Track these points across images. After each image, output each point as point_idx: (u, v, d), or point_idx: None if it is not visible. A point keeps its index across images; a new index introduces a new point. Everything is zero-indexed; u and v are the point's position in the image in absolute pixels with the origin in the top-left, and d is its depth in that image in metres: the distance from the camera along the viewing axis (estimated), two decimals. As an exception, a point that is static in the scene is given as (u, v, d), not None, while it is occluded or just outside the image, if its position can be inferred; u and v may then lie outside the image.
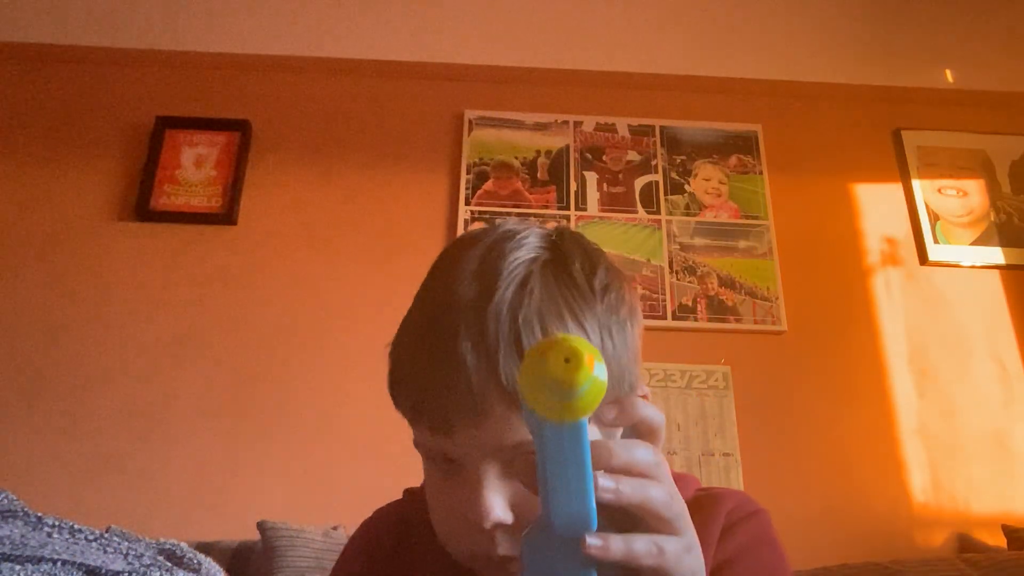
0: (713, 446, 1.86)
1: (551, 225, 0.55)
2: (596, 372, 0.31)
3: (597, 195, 2.12)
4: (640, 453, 0.37)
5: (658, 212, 2.11)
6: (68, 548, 0.71)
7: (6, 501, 0.75)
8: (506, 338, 0.46)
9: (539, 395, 0.32)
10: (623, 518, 0.37)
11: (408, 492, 0.63)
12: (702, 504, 0.55)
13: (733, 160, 2.20)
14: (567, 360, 0.30)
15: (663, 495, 0.37)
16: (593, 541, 0.35)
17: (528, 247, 0.49)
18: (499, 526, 0.46)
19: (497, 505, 0.46)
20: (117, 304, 1.94)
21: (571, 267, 0.49)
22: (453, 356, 0.46)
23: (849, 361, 1.98)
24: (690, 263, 2.05)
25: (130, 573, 0.72)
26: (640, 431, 0.41)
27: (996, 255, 2.11)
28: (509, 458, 0.46)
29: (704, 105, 2.27)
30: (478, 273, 0.48)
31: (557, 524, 0.34)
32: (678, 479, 0.45)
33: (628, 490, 0.36)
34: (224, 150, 2.11)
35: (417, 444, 0.52)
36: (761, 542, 0.57)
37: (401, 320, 0.58)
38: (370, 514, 0.64)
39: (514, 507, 0.46)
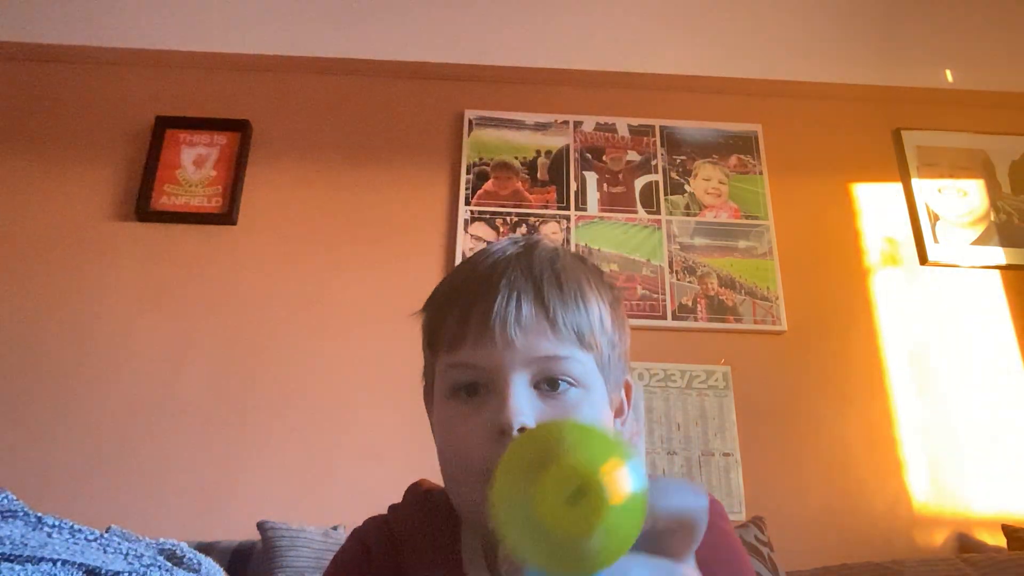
0: (713, 446, 1.86)
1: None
2: (625, 502, 0.20)
3: (597, 195, 2.12)
4: None
5: (658, 212, 2.11)
6: (68, 548, 0.71)
7: (6, 501, 0.75)
8: (548, 272, 0.55)
9: (522, 539, 0.22)
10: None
11: (393, 508, 0.63)
12: None
13: (733, 160, 2.20)
14: (575, 496, 0.19)
15: None
16: None
17: (551, 244, 0.60)
18: (523, 431, 0.49)
19: (525, 409, 0.50)
20: (117, 303, 1.93)
21: (588, 260, 0.60)
22: (501, 279, 0.54)
23: (849, 361, 1.98)
24: (690, 263, 2.05)
25: (130, 573, 0.72)
26: (669, 526, 0.28)
27: (996, 255, 2.11)
28: (537, 371, 0.52)
29: (704, 105, 2.27)
30: (515, 245, 0.59)
31: None
32: None
33: None
34: (224, 150, 2.11)
35: (439, 386, 0.56)
36: (725, 533, 0.57)
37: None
38: (366, 518, 0.64)
39: (536, 424, 0.50)
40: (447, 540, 0.57)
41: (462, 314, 0.55)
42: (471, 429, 0.52)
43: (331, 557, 0.63)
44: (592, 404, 0.53)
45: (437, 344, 0.57)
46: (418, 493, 0.62)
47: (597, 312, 0.56)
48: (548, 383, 0.53)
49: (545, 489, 0.19)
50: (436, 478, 0.65)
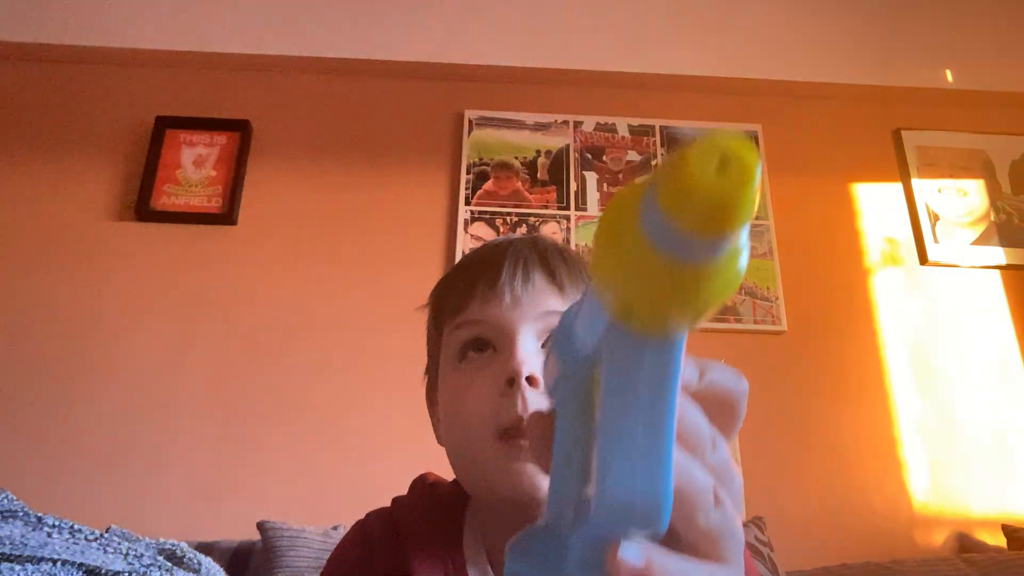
0: (713, 446, 1.86)
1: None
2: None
3: (597, 195, 2.12)
4: (697, 420, 0.25)
5: (658, 212, 2.11)
6: (68, 548, 0.71)
7: (6, 501, 0.75)
8: (552, 248, 0.58)
9: (634, 255, 0.20)
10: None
11: (396, 500, 0.63)
12: None
13: (733, 160, 2.19)
14: (722, 164, 0.18)
15: (720, 512, 0.25)
16: (631, 558, 0.23)
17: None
18: (531, 381, 0.50)
19: (533, 359, 0.51)
20: (117, 304, 1.93)
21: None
22: (509, 250, 0.56)
23: (849, 361, 1.98)
24: (690, 263, 2.05)
25: (130, 573, 0.72)
26: (708, 408, 0.26)
27: (996, 255, 2.11)
28: (543, 327, 0.53)
29: (704, 105, 2.27)
30: (519, 235, 0.60)
31: (609, 502, 0.22)
32: None
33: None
34: (224, 150, 2.11)
35: (446, 356, 0.57)
36: None
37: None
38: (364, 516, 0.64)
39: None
40: (450, 534, 0.57)
41: (469, 283, 0.56)
42: (479, 385, 0.52)
43: (332, 557, 0.63)
44: None
45: (443, 314, 0.58)
46: (423, 486, 0.62)
47: None
48: None
49: (691, 161, 0.18)
50: (438, 475, 0.65)
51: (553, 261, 0.56)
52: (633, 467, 0.22)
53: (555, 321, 0.51)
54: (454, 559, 0.55)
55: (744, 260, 0.21)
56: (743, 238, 0.21)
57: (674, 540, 0.24)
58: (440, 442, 0.59)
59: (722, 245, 0.20)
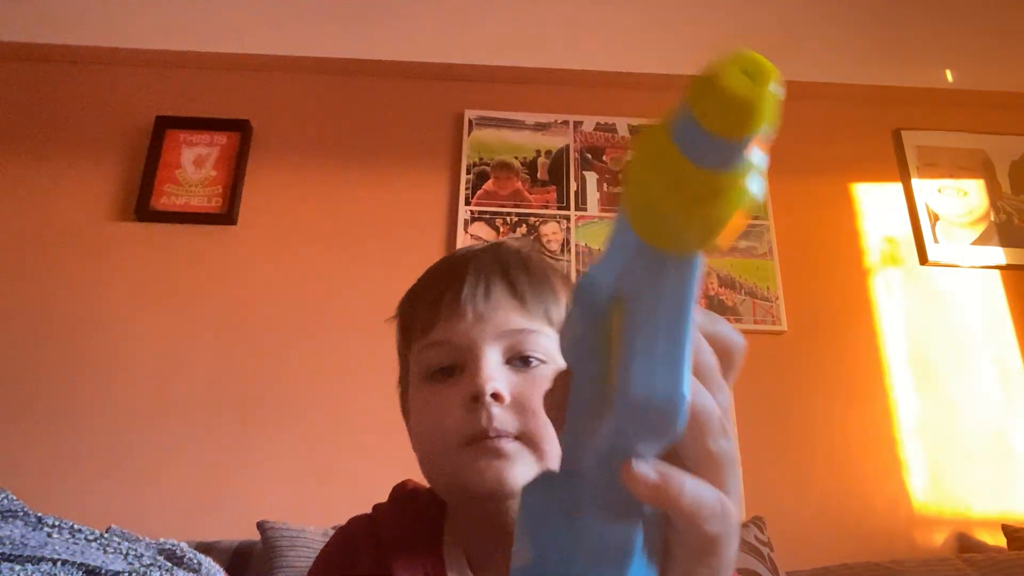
0: (713, 446, 1.86)
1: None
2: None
3: (597, 195, 2.12)
4: (727, 330, 0.28)
5: (658, 212, 2.11)
6: (68, 548, 0.71)
7: (6, 501, 0.75)
8: (515, 259, 0.58)
9: (665, 162, 0.22)
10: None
11: (377, 507, 0.64)
12: None
13: (733, 160, 2.19)
14: (748, 72, 0.21)
15: (727, 441, 0.26)
16: (645, 471, 0.24)
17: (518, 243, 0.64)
18: (496, 397, 0.52)
19: (497, 376, 0.53)
20: (117, 304, 1.93)
21: (556, 264, 0.67)
22: (471, 264, 0.57)
23: (849, 361, 1.98)
24: (690, 263, 2.05)
25: (130, 573, 0.72)
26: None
27: (996, 255, 2.11)
28: (508, 345, 0.54)
29: (704, 105, 2.26)
30: (482, 244, 0.62)
31: (631, 400, 0.23)
32: None
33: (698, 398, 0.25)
34: (224, 150, 2.10)
35: (415, 372, 0.58)
36: None
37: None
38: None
39: (510, 394, 0.53)
40: (429, 539, 0.58)
41: (433, 300, 0.57)
42: (446, 402, 0.54)
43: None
44: None
45: (411, 332, 0.60)
46: (403, 492, 0.63)
47: (564, 300, 0.59)
48: (520, 360, 0.55)
49: (722, 71, 0.21)
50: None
51: (515, 273, 0.57)
52: (653, 368, 0.23)
53: (519, 341, 0.55)
54: (434, 564, 0.56)
55: (757, 182, 0.23)
56: (758, 157, 0.23)
57: (679, 464, 0.26)
58: (415, 450, 0.61)
59: (745, 150, 0.22)
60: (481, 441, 0.52)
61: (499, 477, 0.51)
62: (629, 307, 0.25)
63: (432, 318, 0.57)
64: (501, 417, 0.52)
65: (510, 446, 0.52)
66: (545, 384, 0.53)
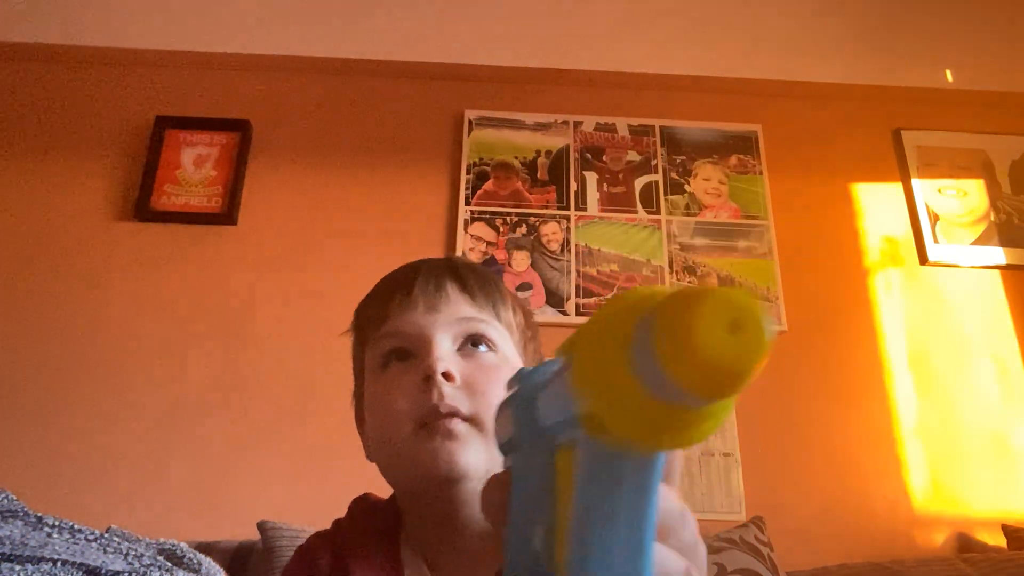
0: (713, 446, 1.86)
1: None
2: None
3: (597, 195, 2.12)
4: (671, 505, 0.27)
5: (658, 212, 2.11)
6: (68, 548, 0.71)
7: (6, 501, 0.75)
8: (463, 264, 0.62)
9: (624, 396, 0.19)
10: None
11: (337, 522, 0.65)
12: None
13: (733, 160, 2.20)
14: (734, 327, 0.17)
15: None
16: None
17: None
18: (447, 377, 0.54)
19: (447, 358, 0.55)
20: (116, 304, 1.93)
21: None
22: (422, 267, 0.61)
23: (849, 361, 1.98)
24: (690, 263, 2.05)
25: (130, 573, 0.72)
26: None
27: (996, 255, 2.11)
28: (458, 332, 0.57)
29: (704, 105, 2.27)
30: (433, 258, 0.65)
31: None
32: None
33: None
34: (224, 150, 2.10)
35: (370, 366, 0.60)
36: None
37: None
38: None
39: (460, 376, 0.56)
40: (388, 548, 0.58)
41: (385, 297, 0.60)
42: (400, 386, 0.56)
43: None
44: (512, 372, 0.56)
45: (364, 331, 0.62)
46: (362, 506, 0.65)
47: (511, 305, 0.62)
48: (471, 342, 0.58)
49: (699, 323, 0.16)
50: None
51: (464, 272, 0.61)
52: (613, 558, 0.22)
53: (469, 327, 0.57)
54: (392, 567, 0.57)
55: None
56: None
57: None
58: (370, 458, 0.62)
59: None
60: (433, 422, 0.54)
61: (451, 458, 0.53)
62: (584, 485, 0.22)
63: (384, 313, 0.59)
64: (452, 395, 0.54)
65: (460, 427, 0.54)
66: (494, 370, 0.56)
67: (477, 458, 0.53)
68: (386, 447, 0.58)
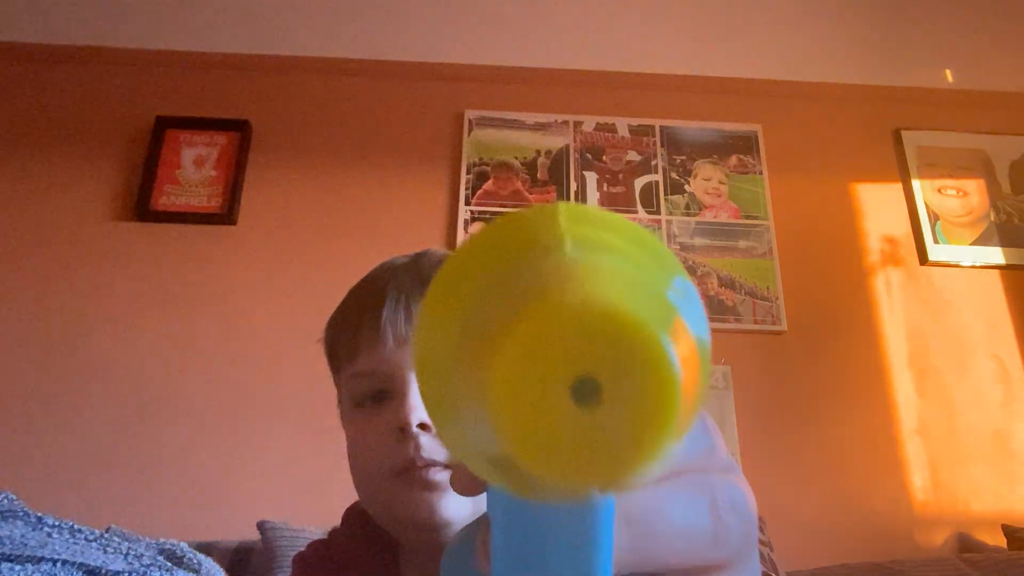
0: (713, 446, 1.85)
1: None
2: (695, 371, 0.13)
3: (597, 195, 2.12)
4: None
5: (658, 212, 2.11)
6: (68, 548, 0.71)
7: (6, 501, 0.75)
8: (436, 266, 0.54)
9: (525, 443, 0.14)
10: None
11: (333, 532, 0.64)
12: None
13: (733, 160, 2.20)
14: (587, 390, 0.12)
15: None
16: None
17: (442, 251, 0.60)
18: (423, 427, 0.51)
19: (422, 406, 0.51)
20: (116, 304, 1.93)
21: None
22: (390, 284, 0.56)
23: (849, 361, 1.98)
24: (690, 263, 2.05)
25: (130, 573, 0.72)
26: None
27: (996, 255, 2.11)
28: None
29: (704, 105, 2.27)
30: (405, 257, 0.59)
31: None
32: None
33: None
34: (224, 150, 2.10)
35: (344, 401, 0.58)
36: None
37: None
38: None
39: None
40: (388, 561, 0.58)
41: (354, 325, 0.57)
42: (375, 430, 0.54)
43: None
44: None
45: (336, 360, 0.59)
46: (354, 514, 0.63)
47: None
48: None
49: (505, 372, 0.10)
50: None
51: None
52: None
53: None
54: None
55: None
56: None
57: None
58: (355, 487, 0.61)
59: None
60: (410, 472, 0.51)
61: (430, 508, 0.51)
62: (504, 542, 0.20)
63: (354, 345, 0.56)
64: (429, 447, 0.51)
65: (439, 476, 0.51)
66: None
67: (459, 504, 0.51)
68: (365, 487, 0.56)
